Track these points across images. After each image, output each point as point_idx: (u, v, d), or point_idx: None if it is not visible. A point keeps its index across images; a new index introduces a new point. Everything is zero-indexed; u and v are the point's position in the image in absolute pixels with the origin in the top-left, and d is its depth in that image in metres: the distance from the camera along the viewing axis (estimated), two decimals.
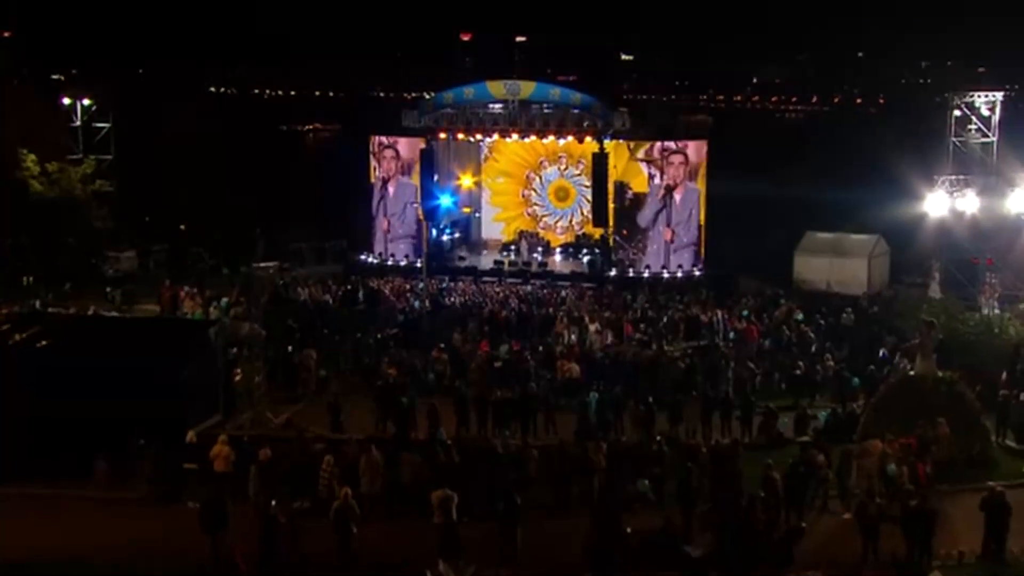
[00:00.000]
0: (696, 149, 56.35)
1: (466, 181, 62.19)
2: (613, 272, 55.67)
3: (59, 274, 49.80)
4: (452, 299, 49.55)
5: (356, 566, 23.69)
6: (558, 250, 61.07)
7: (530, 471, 28.04)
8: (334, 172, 76.77)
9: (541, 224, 63.67)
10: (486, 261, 59.02)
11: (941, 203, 44.49)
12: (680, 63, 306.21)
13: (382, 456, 27.29)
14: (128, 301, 47.81)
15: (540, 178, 63.57)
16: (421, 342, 40.81)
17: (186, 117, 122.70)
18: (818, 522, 26.14)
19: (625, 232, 56.57)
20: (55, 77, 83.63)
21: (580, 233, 61.99)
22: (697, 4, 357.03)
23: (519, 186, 63.99)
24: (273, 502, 24.03)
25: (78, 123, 58.80)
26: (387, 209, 59.81)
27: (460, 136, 58.31)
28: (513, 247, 60.82)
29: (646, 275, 55.47)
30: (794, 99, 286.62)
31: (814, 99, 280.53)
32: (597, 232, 58.58)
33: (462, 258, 59.30)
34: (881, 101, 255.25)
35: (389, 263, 58.88)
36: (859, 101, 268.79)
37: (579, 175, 61.74)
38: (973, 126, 45.28)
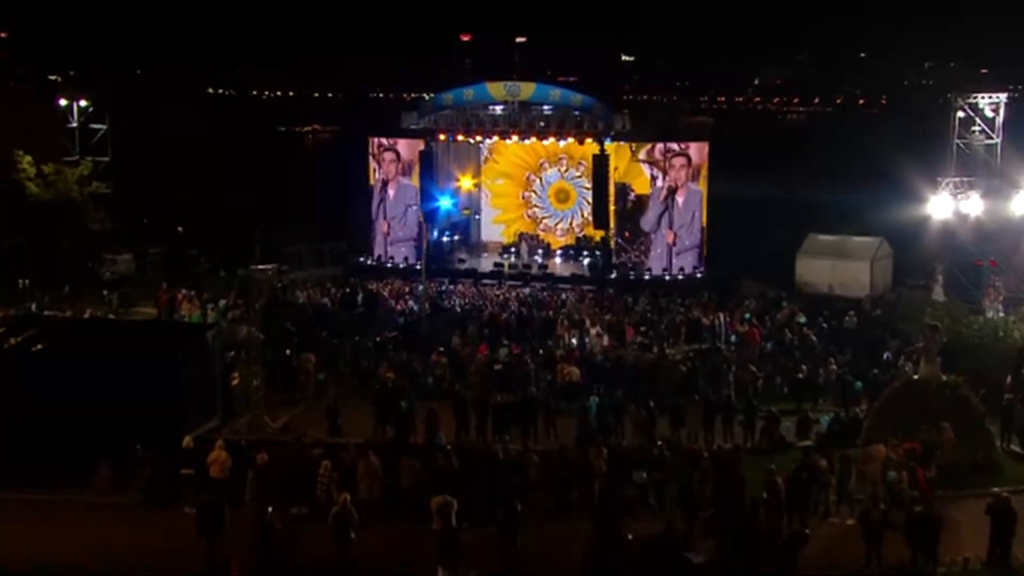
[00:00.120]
0: (698, 150, 56.18)
1: (466, 183, 61.97)
2: (615, 275, 55.33)
3: (55, 277, 49.52)
4: (452, 302, 49.28)
5: (355, 573, 23.51)
6: (558, 252, 60.83)
7: (530, 476, 27.81)
8: (333, 174, 76.70)
9: (541, 226, 63.40)
10: (486, 263, 58.76)
11: (945, 205, 44.26)
12: (681, 64, 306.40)
13: (380, 461, 27.11)
14: (125, 304, 47.56)
15: (540, 180, 63.32)
16: (420, 345, 40.57)
17: (184, 118, 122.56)
18: (821, 528, 25.85)
19: (627, 234, 56.36)
20: (52, 78, 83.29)
21: (580, 235, 61.78)
22: (698, 4, 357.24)
23: (519, 188, 63.74)
24: (270, 508, 23.86)
25: (75, 124, 58.58)
26: (387, 211, 59.61)
27: (460, 138, 58.09)
28: (513, 249, 60.58)
29: (646, 277, 55.17)
30: (796, 100, 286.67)
31: (816, 100, 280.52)
32: (598, 234, 58.37)
33: (462, 260, 59.05)
34: (883, 102, 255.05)
35: (388, 265, 58.63)
36: (861, 102, 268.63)
37: (580, 177, 61.48)
38: (977, 127, 45.06)
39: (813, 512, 26.40)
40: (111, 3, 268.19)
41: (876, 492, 25.95)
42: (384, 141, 59.73)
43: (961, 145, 45.28)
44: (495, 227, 64.22)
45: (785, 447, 31.38)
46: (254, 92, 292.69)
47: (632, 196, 56.34)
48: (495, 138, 58.97)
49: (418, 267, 54.42)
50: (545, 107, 56.46)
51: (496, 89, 56.81)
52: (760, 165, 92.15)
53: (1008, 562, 23.68)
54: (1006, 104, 45.28)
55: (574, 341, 42.28)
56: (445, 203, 57.46)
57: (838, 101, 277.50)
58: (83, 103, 59.08)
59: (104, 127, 59.34)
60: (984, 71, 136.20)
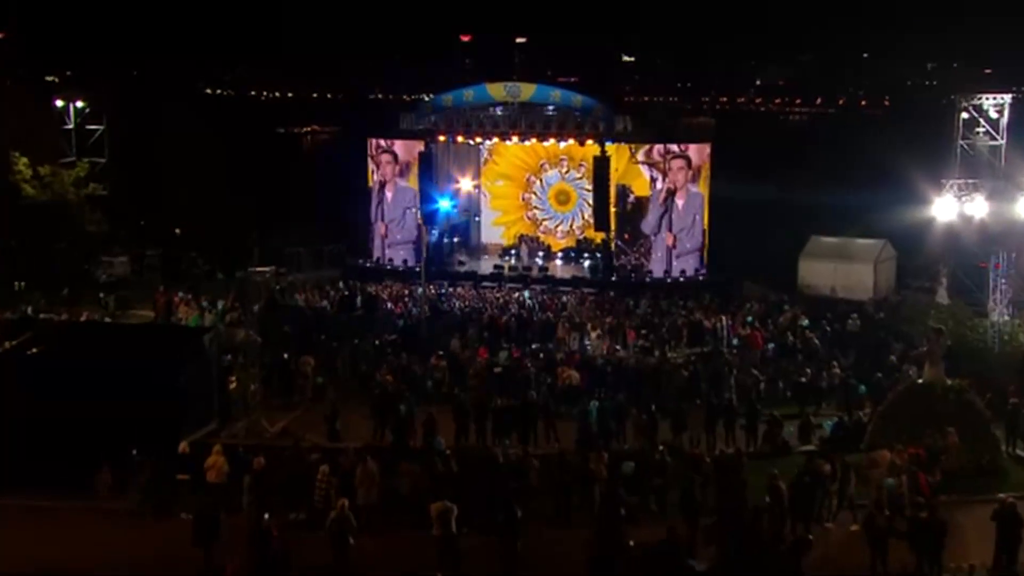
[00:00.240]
0: (698, 152, 55.94)
1: (465, 184, 61.71)
2: (615, 277, 55.06)
3: (51, 279, 49.26)
4: (451, 305, 49.02)
5: None
6: (559, 255, 60.59)
7: (531, 481, 27.58)
8: (332, 175, 76.40)
9: (541, 228, 63.19)
10: (486, 266, 58.55)
11: (949, 207, 43.93)
12: (682, 64, 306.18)
13: (379, 466, 26.85)
14: (122, 307, 47.40)
15: (541, 181, 63.10)
16: (420, 348, 40.28)
17: (181, 119, 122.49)
18: (825, 534, 25.61)
19: (627, 236, 56.11)
20: (49, 79, 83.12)
21: (581, 237, 61.60)
22: (698, 4, 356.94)
23: (519, 189, 63.52)
24: (266, 515, 23.57)
25: (71, 126, 58.34)
26: (385, 214, 59.33)
27: (459, 139, 57.86)
28: (513, 251, 60.44)
29: (647, 280, 54.91)
30: (797, 101, 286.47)
31: (818, 101, 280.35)
32: (598, 236, 58.17)
33: (461, 263, 58.92)
34: (886, 103, 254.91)
35: (387, 268, 58.36)
36: (863, 103, 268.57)
37: (580, 178, 61.28)
38: (981, 129, 44.72)
39: (817, 518, 26.08)
40: (108, 3, 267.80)
41: (880, 498, 25.53)
42: (382, 143, 59.47)
43: (965, 146, 44.92)
44: (495, 229, 64.00)
45: (788, 452, 31.13)
46: (252, 92, 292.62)
47: (632, 198, 56.15)
48: (495, 139, 58.71)
49: (417, 269, 54.19)
50: (545, 108, 56.18)
51: (496, 90, 56.70)
52: (762, 166, 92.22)
53: (1014, 569, 23.28)
54: (1010, 105, 44.91)
55: (575, 344, 41.97)
56: (444, 205, 57.18)
57: (840, 102, 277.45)
58: (80, 104, 58.87)
59: (101, 128, 59.14)
60: (987, 71, 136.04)
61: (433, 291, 51.18)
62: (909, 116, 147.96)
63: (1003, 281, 41.14)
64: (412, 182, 57.86)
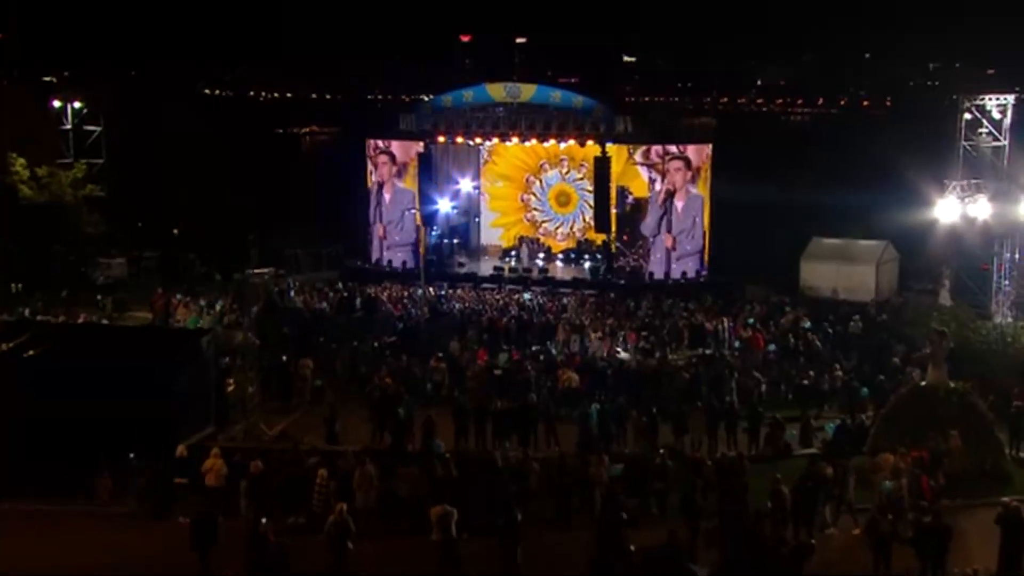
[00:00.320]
0: (696, 153, 55.75)
1: (465, 185, 61.53)
2: (622, 281, 54.82)
3: (49, 281, 49.09)
4: (451, 306, 48.78)
5: None
6: (559, 256, 60.38)
7: (531, 484, 27.43)
8: (331, 176, 76.23)
9: (541, 229, 62.99)
10: (485, 267, 58.35)
11: (952, 209, 43.77)
12: (682, 65, 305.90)
13: (376, 469, 26.68)
14: (119, 309, 47.21)
15: (541, 182, 62.89)
16: (419, 351, 40.04)
17: (179, 120, 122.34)
18: (827, 538, 25.35)
19: (625, 238, 55.87)
20: (46, 79, 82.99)
21: (582, 239, 61.35)
22: (699, 4, 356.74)
23: (519, 190, 63.31)
24: (263, 520, 23.32)
25: (69, 126, 58.18)
26: (383, 215, 59.14)
27: (459, 140, 57.58)
28: (513, 253, 60.23)
29: (647, 281, 54.72)
30: (799, 101, 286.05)
31: (819, 101, 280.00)
32: (599, 238, 57.95)
33: (461, 264, 58.72)
34: (887, 103, 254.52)
35: (386, 269, 58.16)
36: (865, 103, 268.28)
37: (581, 179, 61.07)
38: (984, 130, 44.56)
39: (821, 523, 25.90)
40: (105, 3, 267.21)
41: (884, 502, 25.40)
42: (379, 143, 59.31)
43: (968, 147, 44.78)
44: (494, 230, 63.81)
45: (790, 455, 30.95)
46: (251, 93, 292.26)
47: (630, 199, 55.89)
48: (495, 140, 58.42)
49: (416, 271, 54.00)
50: (545, 109, 55.94)
51: (496, 90, 56.56)
52: (763, 167, 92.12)
53: (1019, 574, 23.02)
54: (1013, 106, 44.76)
55: (575, 346, 41.79)
56: (444, 206, 56.96)
57: (842, 102, 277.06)
58: (77, 105, 58.80)
59: (98, 129, 58.99)
60: (990, 72, 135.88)
61: (432, 293, 50.96)
62: (911, 116, 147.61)
63: (1006, 283, 41.03)
64: (409, 183, 57.77)
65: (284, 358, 38.12)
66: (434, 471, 26.94)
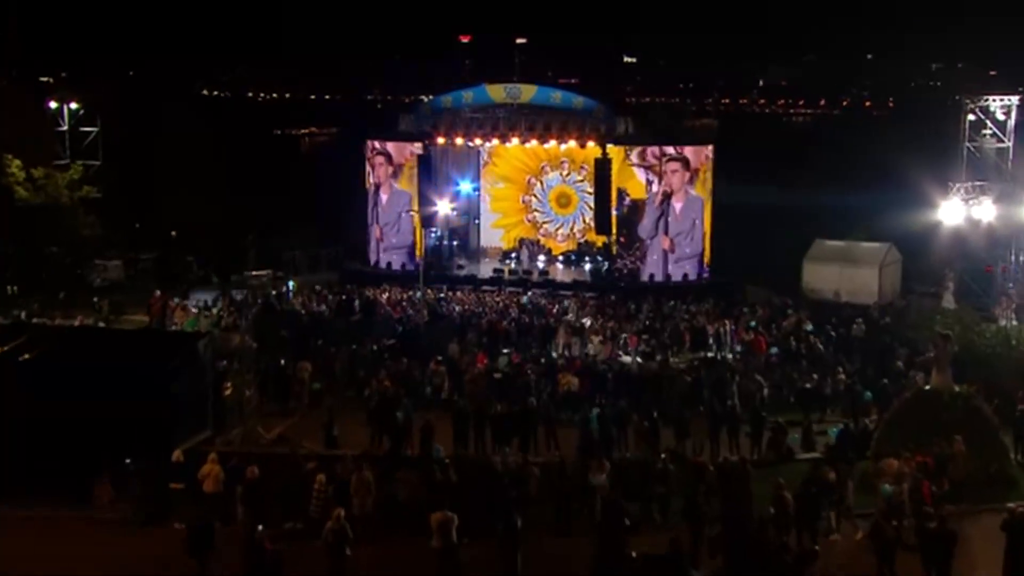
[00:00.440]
0: (695, 154, 55.47)
1: (465, 187, 61.32)
2: (623, 283, 54.57)
3: (44, 284, 48.87)
4: (451, 309, 48.52)
5: None
6: (559, 258, 60.16)
7: (531, 489, 27.17)
8: (329, 177, 76.00)
9: (541, 231, 62.78)
10: (485, 269, 58.13)
11: (956, 211, 43.59)
12: (684, 65, 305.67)
13: (374, 474, 26.44)
14: (116, 311, 47.00)
15: (541, 183, 62.68)
16: (418, 354, 39.76)
17: (177, 121, 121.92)
18: (831, 544, 25.09)
19: (623, 239, 55.61)
20: (43, 79, 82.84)
21: (582, 241, 61.15)
22: (700, 5, 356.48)
23: (519, 192, 63.11)
24: (260, 526, 23.00)
25: (65, 127, 57.97)
26: (379, 216, 58.91)
27: (459, 141, 57.27)
28: (513, 255, 60.02)
29: (645, 281, 54.50)
30: (801, 102, 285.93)
31: (821, 102, 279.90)
32: (599, 240, 57.72)
33: (460, 266, 58.50)
34: (890, 104, 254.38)
35: (386, 271, 57.92)
36: (868, 104, 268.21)
37: (582, 181, 60.88)
38: (988, 131, 44.41)
39: (826, 530, 25.66)
40: (102, 4, 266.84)
41: (885, 506, 25.14)
42: (376, 144, 59.10)
43: (971, 149, 44.62)
44: (494, 232, 63.60)
45: (792, 459, 30.69)
46: (250, 94, 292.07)
47: (627, 200, 55.63)
48: (495, 141, 58.14)
49: (416, 273, 53.77)
50: (546, 110, 55.71)
51: (496, 91, 56.40)
52: (765, 168, 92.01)
53: None
54: (1018, 107, 44.61)
55: (575, 349, 41.56)
56: (443, 207, 56.73)
57: (844, 103, 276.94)
58: (74, 106, 58.59)
59: (95, 130, 58.78)
60: (993, 73, 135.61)
61: (432, 295, 50.70)
62: (914, 117, 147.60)
63: (1010, 285, 40.86)
64: (404, 184, 57.69)
65: (282, 361, 37.85)
66: (433, 476, 26.70)
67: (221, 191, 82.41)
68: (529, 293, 52.27)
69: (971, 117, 44.81)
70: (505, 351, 40.57)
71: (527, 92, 56.06)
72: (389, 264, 58.38)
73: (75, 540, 25.80)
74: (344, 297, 49.75)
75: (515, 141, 56.64)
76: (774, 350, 40.92)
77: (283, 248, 57.64)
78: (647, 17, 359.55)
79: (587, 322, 44.99)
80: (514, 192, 63.27)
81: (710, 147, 56.58)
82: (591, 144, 54.81)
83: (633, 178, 55.93)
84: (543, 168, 62.44)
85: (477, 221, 63.45)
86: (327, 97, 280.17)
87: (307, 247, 60.00)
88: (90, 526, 26.75)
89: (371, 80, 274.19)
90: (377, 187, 59.07)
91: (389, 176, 58.47)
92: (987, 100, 44.85)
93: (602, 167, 54.05)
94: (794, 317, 45.17)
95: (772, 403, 35.54)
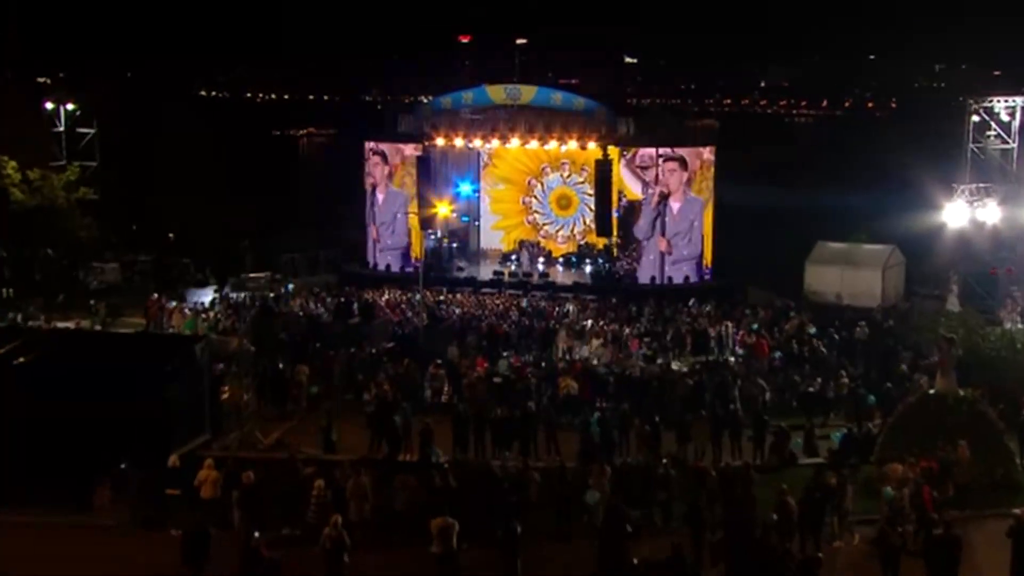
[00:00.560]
0: (692, 155, 55.17)
1: (465, 188, 61.10)
2: (623, 284, 54.30)
3: (40, 286, 48.63)
4: (450, 312, 48.22)
5: None
6: (560, 260, 59.93)
7: (531, 495, 26.87)
8: (328, 178, 75.84)
9: (542, 233, 62.63)
10: (485, 272, 57.91)
11: (961, 213, 43.34)
12: (685, 66, 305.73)
13: (371, 480, 26.19)
14: (112, 314, 46.79)
15: (542, 185, 62.54)
16: (418, 357, 39.48)
17: (175, 122, 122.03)
18: (835, 551, 24.87)
19: (619, 241, 55.37)
20: (40, 80, 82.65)
21: (583, 243, 60.94)
22: (702, 5, 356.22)
23: (519, 193, 62.99)
24: (257, 533, 22.77)
25: (62, 128, 57.78)
26: (376, 217, 58.70)
27: (458, 142, 57.00)
28: (513, 257, 59.78)
29: (650, 286, 54.25)
30: (803, 103, 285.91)
31: (824, 103, 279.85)
32: (600, 242, 57.50)
33: (460, 269, 58.20)
34: (893, 105, 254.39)
35: (385, 273, 57.69)
36: (870, 105, 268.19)
37: (582, 183, 60.73)
38: (992, 132, 44.17)
39: (831, 536, 25.45)
40: (99, 4, 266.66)
41: (888, 512, 24.94)
42: (373, 145, 58.91)
43: (976, 150, 44.38)
44: (494, 233, 63.48)
45: (795, 464, 30.47)
46: (248, 94, 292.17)
47: (624, 202, 55.42)
48: (494, 142, 57.89)
49: (411, 273, 53.55)
50: (546, 111, 55.46)
51: (496, 92, 56.31)
52: (767, 169, 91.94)
53: None
54: (1022, 108, 44.37)
55: (576, 353, 41.37)
56: (443, 209, 56.48)
57: (846, 104, 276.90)
58: (70, 106, 58.39)
59: (92, 131, 58.57)
60: (996, 73, 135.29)
61: (431, 298, 50.44)
62: (917, 118, 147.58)
63: (1015, 288, 40.62)
64: (398, 184, 57.69)
65: (280, 364, 37.57)
66: (432, 481, 26.42)
67: (219, 192, 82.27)
68: (529, 296, 51.99)
69: (975, 118, 44.58)
70: (505, 354, 40.25)
71: (527, 93, 55.96)
72: (388, 266, 58.14)
73: (69, 546, 25.48)
74: (343, 300, 49.49)
75: (515, 142, 56.45)
76: (776, 353, 40.68)
77: (281, 250, 57.39)
78: (648, 18, 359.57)
79: (588, 324, 44.70)
80: (514, 194, 63.11)
81: (708, 148, 56.34)
82: (592, 145, 54.60)
83: (629, 179, 55.65)
84: (543, 169, 62.30)
85: (477, 223, 63.27)
86: (326, 98, 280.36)
87: (305, 249, 59.77)
88: (85, 532, 26.41)
89: (370, 81, 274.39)
90: (374, 188, 58.88)
91: (385, 176, 58.27)
92: (991, 101, 44.62)
93: (602, 168, 53.87)
94: (796, 320, 44.93)
95: (774, 407, 35.30)
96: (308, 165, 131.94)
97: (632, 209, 55.24)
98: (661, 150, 54.79)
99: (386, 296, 51.68)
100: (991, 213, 43.21)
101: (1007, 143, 44.27)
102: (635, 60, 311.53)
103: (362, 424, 32.71)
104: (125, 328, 44.90)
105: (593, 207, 56.92)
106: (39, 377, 29.69)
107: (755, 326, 43.83)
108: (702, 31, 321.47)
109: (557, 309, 49.13)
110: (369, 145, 59.07)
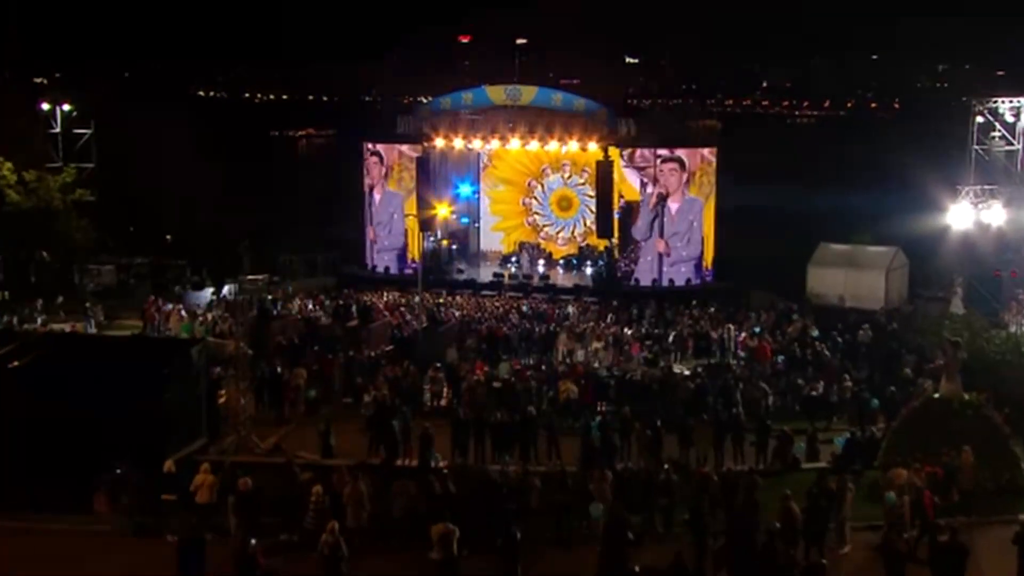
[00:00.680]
0: (691, 155, 54.96)
1: (464, 189, 60.89)
2: (624, 286, 54.06)
3: (35, 289, 48.38)
4: (450, 314, 47.98)
5: None
6: (560, 262, 59.72)
7: (531, 501, 26.54)
8: (327, 180, 75.59)
9: (542, 234, 62.52)
10: (485, 274, 57.74)
11: (965, 215, 43.04)
12: (686, 66, 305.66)
13: (369, 486, 25.86)
14: (109, 317, 46.65)
15: (542, 186, 62.42)
16: (417, 360, 39.20)
17: (172, 123, 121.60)
18: (838, 557, 24.50)
19: (616, 241, 55.14)
20: (37, 80, 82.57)
21: (583, 244, 60.76)
22: (703, 5, 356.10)
23: (520, 194, 62.90)
24: (253, 540, 22.46)
25: (58, 130, 57.55)
26: (373, 218, 58.56)
27: (458, 143, 56.75)
28: (514, 259, 59.59)
29: (643, 285, 54.03)
30: (805, 103, 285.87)
31: (826, 103, 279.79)
32: (601, 243, 57.27)
33: (460, 271, 57.99)
34: (896, 105, 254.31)
35: (383, 275, 57.48)
36: (873, 105, 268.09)
37: (583, 184, 60.57)
38: (996, 133, 43.91)
39: (838, 540, 25.13)
40: (96, 4, 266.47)
41: (891, 518, 24.55)
42: (369, 146, 58.70)
43: (980, 151, 44.11)
44: (494, 235, 63.38)
45: (799, 469, 30.13)
46: (246, 95, 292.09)
47: (622, 203, 55.26)
48: (494, 143, 57.66)
49: (414, 277, 53.32)
50: (546, 111, 55.21)
51: (496, 93, 56.23)
52: (769, 170, 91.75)
53: None
54: None
55: (577, 356, 41.18)
56: (442, 210, 56.25)
57: (849, 104, 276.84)
58: (67, 107, 58.14)
59: (88, 132, 58.33)
60: (1000, 73, 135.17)
61: (431, 300, 50.16)
62: (920, 119, 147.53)
63: (1020, 291, 40.36)
64: (393, 184, 57.71)
65: (278, 368, 37.24)
66: (431, 487, 26.10)
67: (216, 194, 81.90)
68: (529, 298, 51.76)
69: (979, 119, 44.31)
70: (505, 357, 40.13)
71: (527, 94, 55.90)
72: (387, 268, 57.94)
73: (64, 552, 25.22)
74: (341, 302, 49.34)
75: (515, 143, 56.25)
76: (779, 357, 40.43)
77: (280, 252, 57.14)
78: (649, 18, 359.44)
79: (589, 327, 44.45)
80: (514, 195, 62.98)
81: (707, 149, 56.17)
82: (593, 146, 54.39)
83: (628, 179, 55.50)
84: (544, 171, 62.18)
85: (477, 224, 63.07)
86: (324, 99, 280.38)
87: (304, 251, 59.54)
88: (80, 539, 26.12)
89: (369, 81, 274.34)
90: (371, 188, 58.72)
91: (382, 177, 58.13)
92: (995, 102, 44.36)
93: (603, 169, 53.71)
94: (799, 322, 44.82)
95: (777, 411, 35.20)
96: (307, 166, 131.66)
97: (630, 210, 55.02)
98: (660, 151, 54.60)
99: (385, 298, 51.47)
100: (996, 215, 42.95)
101: (1012, 144, 44.04)
102: (636, 60, 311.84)
103: (360, 428, 32.42)
104: (122, 331, 44.79)
105: (594, 208, 56.70)
106: (33, 381, 29.41)
107: (757, 329, 43.79)
108: (704, 31, 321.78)
109: (558, 312, 48.90)
110: (367, 146, 58.83)
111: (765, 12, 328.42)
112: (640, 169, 54.88)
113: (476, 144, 57.64)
